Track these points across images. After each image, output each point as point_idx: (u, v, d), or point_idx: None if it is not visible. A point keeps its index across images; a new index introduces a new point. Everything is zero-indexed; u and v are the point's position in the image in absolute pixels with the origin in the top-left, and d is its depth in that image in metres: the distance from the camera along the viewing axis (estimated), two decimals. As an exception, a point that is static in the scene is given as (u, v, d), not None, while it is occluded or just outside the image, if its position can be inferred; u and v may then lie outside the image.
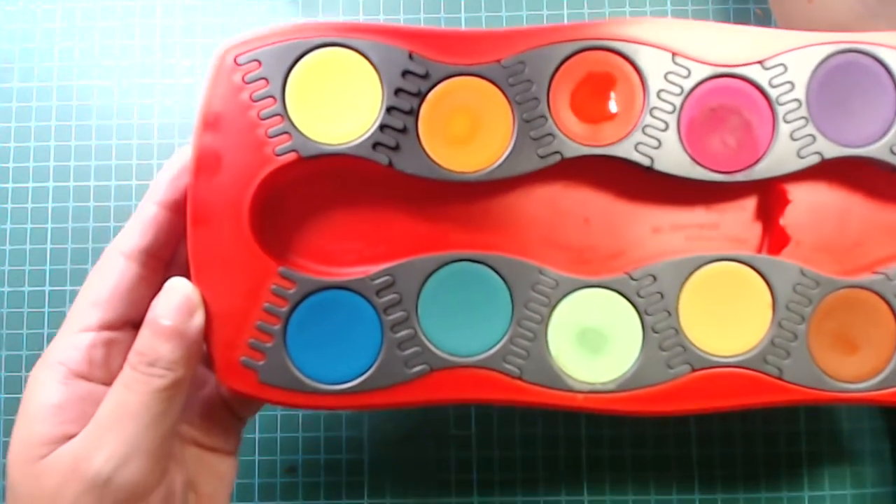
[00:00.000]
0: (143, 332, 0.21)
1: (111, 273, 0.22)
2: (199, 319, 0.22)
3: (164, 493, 0.21)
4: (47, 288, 0.32)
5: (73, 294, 0.30)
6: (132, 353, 0.21)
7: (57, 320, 0.32)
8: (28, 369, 0.30)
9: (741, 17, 0.33)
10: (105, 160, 0.33)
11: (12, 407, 0.30)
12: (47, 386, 0.21)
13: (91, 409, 0.20)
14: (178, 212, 0.22)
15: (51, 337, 0.30)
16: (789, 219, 0.24)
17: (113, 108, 0.33)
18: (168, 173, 0.23)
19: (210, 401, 0.24)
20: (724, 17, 0.33)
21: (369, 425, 0.31)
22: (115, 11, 0.34)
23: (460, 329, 0.23)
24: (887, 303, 0.23)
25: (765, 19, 0.33)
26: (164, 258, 0.23)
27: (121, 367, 0.21)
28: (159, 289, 0.22)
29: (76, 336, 0.21)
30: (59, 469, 0.20)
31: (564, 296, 0.23)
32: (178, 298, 0.21)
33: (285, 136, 0.22)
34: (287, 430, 0.31)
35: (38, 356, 0.29)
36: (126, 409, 0.20)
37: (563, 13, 0.33)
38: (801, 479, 0.30)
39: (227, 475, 0.24)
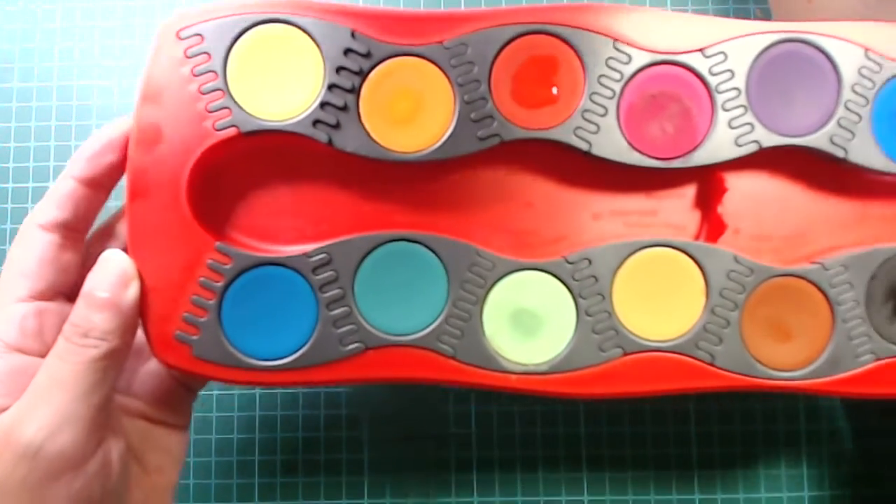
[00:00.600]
0: (78, 303, 0.21)
1: (33, 245, 0.22)
2: (133, 291, 0.22)
3: (100, 463, 0.21)
4: None
5: None
6: (67, 324, 0.21)
7: None
8: None
9: (741, 17, 0.33)
10: None
11: None
12: None
13: (26, 381, 0.21)
14: (95, 188, 0.23)
15: None
16: (728, 207, 0.24)
17: (113, 108, 0.33)
18: (87, 149, 0.23)
19: (157, 374, 0.24)
20: (724, 16, 0.33)
21: (369, 425, 0.31)
22: (115, 11, 0.34)
23: (396, 308, 0.23)
24: (823, 292, 0.23)
25: (765, 19, 0.32)
26: (81, 231, 0.23)
27: (55, 340, 0.21)
28: (82, 259, 0.22)
29: (7, 308, 0.21)
30: None
31: (500, 277, 0.23)
32: (113, 270, 0.21)
33: (226, 111, 0.22)
34: (287, 430, 0.31)
35: None
36: (59, 379, 0.20)
37: None
38: (801, 479, 0.31)
39: (175, 449, 0.24)
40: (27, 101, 0.33)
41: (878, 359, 0.23)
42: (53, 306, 0.22)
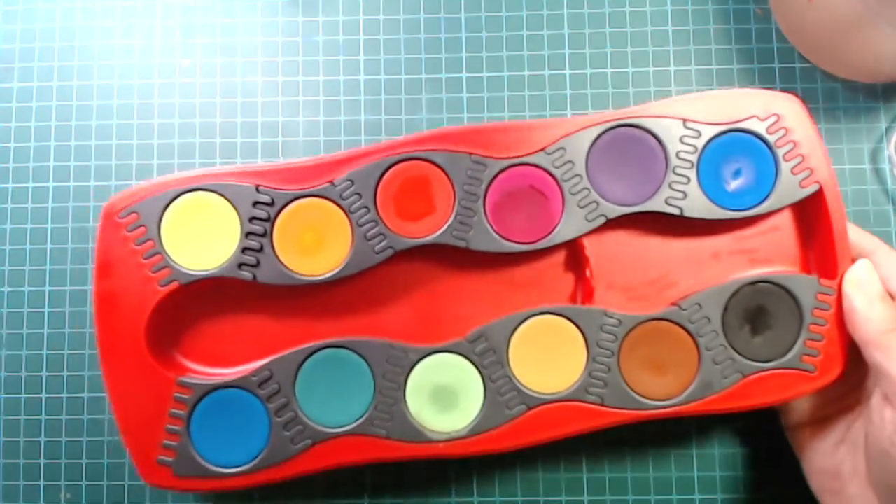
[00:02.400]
0: None
1: None
2: None
3: None
4: (47, 288, 0.33)
5: (74, 294, 0.32)
6: None
7: (57, 320, 0.33)
8: (28, 369, 0.32)
9: (741, 18, 0.34)
10: (105, 160, 0.33)
11: (12, 407, 0.32)
12: None
13: None
14: None
15: (51, 337, 0.33)
16: (596, 268, 0.28)
17: (113, 108, 0.34)
18: None
19: None
20: (724, 17, 0.34)
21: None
22: (115, 11, 0.34)
23: (333, 405, 0.27)
24: (685, 329, 0.27)
25: (765, 19, 0.34)
26: None
27: None
28: None
29: None
30: None
31: (415, 363, 0.28)
32: None
33: (166, 269, 0.27)
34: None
35: (38, 356, 0.32)
36: None
37: (563, 13, 0.34)
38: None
39: None
40: (27, 101, 0.34)
41: (745, 376, 0.27)
42: None
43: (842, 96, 0.34)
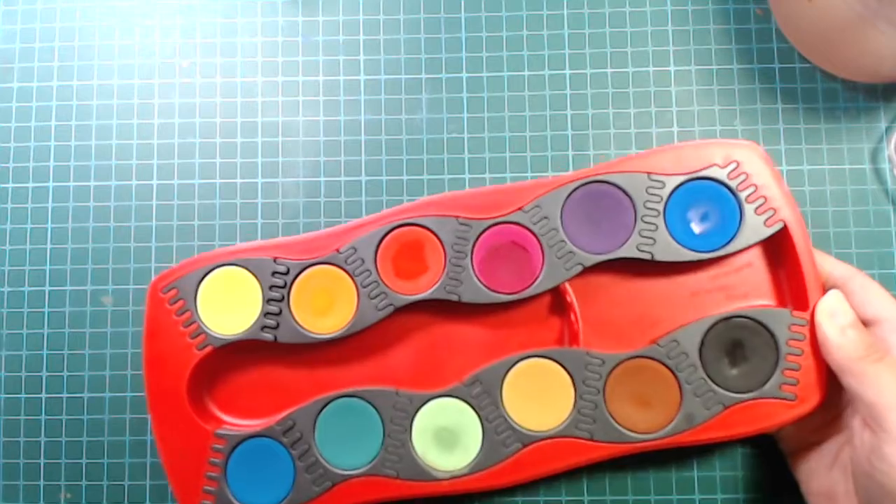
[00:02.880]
0: None
1: None
2: None
3: None
4: (47, 288, 0.33)
5: (73, 294, 0.33)
6: None
7: (57, 320, 0.33)
8: (28, 369, 0.33)
9: (741, 17, 0.34)
10: (105, 160, 0.34)
11: (12, 407, 0.33)
12: None
13: None
14: None
15: (51, 337, 0.33)
16: (583, 310, 0.31)
17: (113, 108, 0.34)
18: None
19: None
20: (725, 17, 0.34)
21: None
22: (115, 11, 0.34)
23: (349, 449, 0.31)
24: (665, 365, 0.29)
25: (765, 19, 0.34)
26: None
27: None
28: None
29: None
30: None
31: (419, 408, 0.31)
32: None
33: (202, 335, 0.32)
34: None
35: (38, 356, 0.33)
36: None
37: (563, 13, 0.35)
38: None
39: None
40: (27, 101, 0.34)
41: (727, 407, 0.29)
42: None
43: (842, 96, 0.34)
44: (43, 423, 0.34)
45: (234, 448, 0.31)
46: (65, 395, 0.34)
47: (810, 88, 0.34)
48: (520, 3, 0.35)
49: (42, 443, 0.34)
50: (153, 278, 0.32)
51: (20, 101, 0.34)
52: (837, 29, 0.30)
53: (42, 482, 0.34)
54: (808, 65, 0.34)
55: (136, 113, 0.35)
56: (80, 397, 0.34)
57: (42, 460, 0.34)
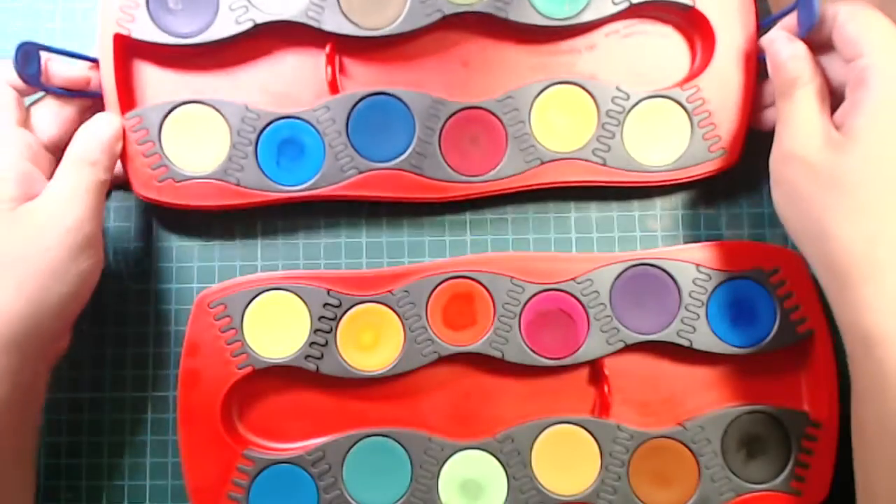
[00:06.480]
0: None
1: None
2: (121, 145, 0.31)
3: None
4: None
5: None
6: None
7: None
8: None
9: None
10: None
11: None
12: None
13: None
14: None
15: None
16: (614, 384, 0.32)
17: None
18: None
19: None
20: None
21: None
22: None
23: (375, 487, 0.31)
24: (688, 447, 0.31)
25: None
26: None
27: None
28: None
29: None
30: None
31: (449, 456, 0.31)
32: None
33: (244, 355, 0.32)
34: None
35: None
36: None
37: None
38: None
39: None
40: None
41: (739, 495, 0.31)
42: None
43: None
44: (43, 422, 0.33)
45: (260, 471, 0.31)
46: (65, 395, 0.34)
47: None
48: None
49: (42, 443, 0.34)
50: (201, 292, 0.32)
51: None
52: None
53: (43, 482, 0.34)
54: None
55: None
56: (81, 397, 0.34)
57: (42, 460, 0.34)
